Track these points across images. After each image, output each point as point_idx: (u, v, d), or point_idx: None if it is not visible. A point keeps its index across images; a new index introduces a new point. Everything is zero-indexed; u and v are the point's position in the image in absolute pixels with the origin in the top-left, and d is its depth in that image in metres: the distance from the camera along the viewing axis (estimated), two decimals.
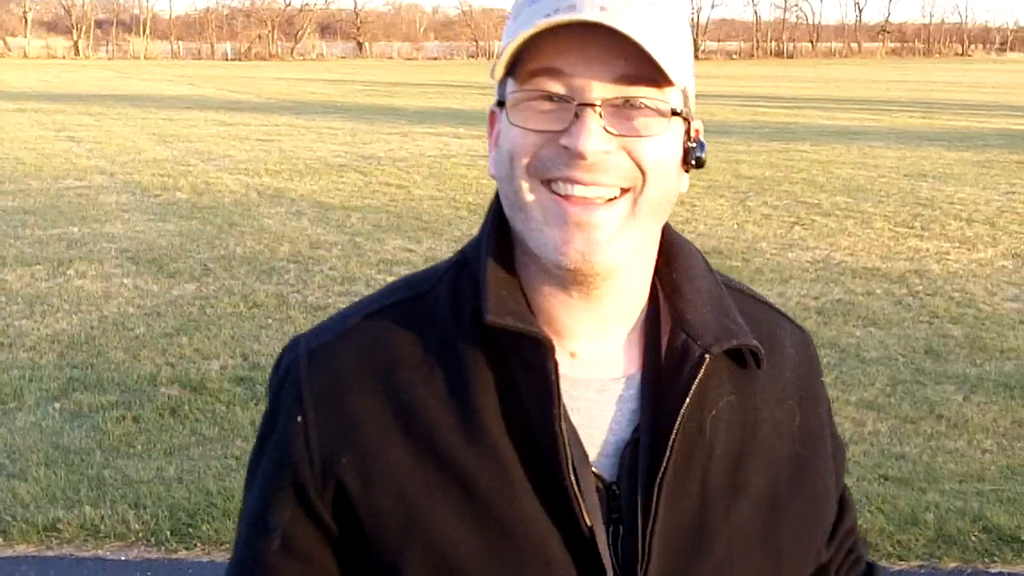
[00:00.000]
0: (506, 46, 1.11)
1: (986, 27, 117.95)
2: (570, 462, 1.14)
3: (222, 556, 4.82)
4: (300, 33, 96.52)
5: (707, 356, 1.20)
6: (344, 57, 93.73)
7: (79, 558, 4.80)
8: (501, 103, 1.18)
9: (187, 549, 4.88)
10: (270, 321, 8.51)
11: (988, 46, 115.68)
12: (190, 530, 5.00)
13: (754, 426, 1.26)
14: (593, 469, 1.18)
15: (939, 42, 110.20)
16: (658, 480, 1.16)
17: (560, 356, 1.19)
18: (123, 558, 4.82)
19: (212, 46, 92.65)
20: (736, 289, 1.34)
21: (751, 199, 15.04)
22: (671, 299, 1.25)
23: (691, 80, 1.20)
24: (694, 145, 1.19)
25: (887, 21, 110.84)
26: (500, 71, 1.13)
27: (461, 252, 1.28)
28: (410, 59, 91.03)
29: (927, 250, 11.82)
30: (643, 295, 1.26)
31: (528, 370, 1.17)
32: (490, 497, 1.16)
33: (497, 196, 1.22)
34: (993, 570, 4.85)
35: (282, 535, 1.23)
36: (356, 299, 1.37)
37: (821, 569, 1.40)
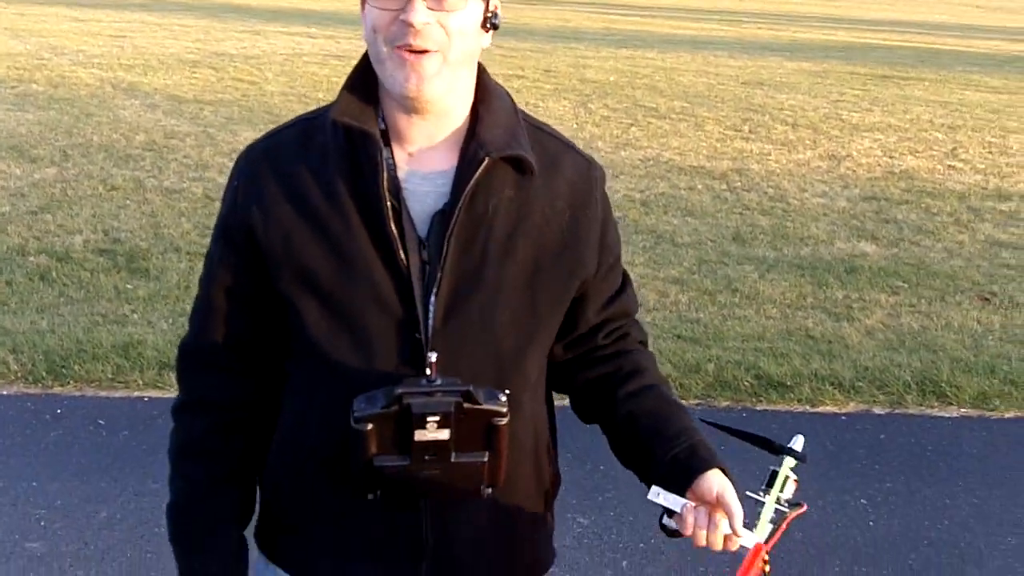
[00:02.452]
0: None
1: None
2: (390, 217, 1.83)
3: (92, 392, 5.49)
4: None
5: (486, 159, 1.83)
6: None
7: None
8: None
9: (61, 386, 5.51)
10: (128, 202, 9.00)
11: None
12: (63, 370, 5.61)
13: (527, 214, 1.88)
14: (414, 227, 1.87)
15: None
16: (447, 235, 1.85)
17: (401, 154, 1.87)
18: (4, 393, 5.44)
19: None
20: (537, 127, 1.99)
21: (593, 102, 15.74)
22: (477, 124, 1.94)
23: None
24: (490, 14, 1.88)
25: None
26: None
27: None
28: None
29: (751, 151, 12.75)
30: (460, 119, 1.88)
31: (366, 156, 1.83)
32: (338, 237, 1.84)
33: (366, 52, 1.91)
34: (759, 408, 5.75)
35: (219, 256, 1.95)
36: (209, 184, 2.09)
37: (591, 330, 2.07)
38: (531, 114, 2.02)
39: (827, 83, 19.14)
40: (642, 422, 2.01)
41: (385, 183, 1.82)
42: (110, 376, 5.58)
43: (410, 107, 1.84)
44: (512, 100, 1.98)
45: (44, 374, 5.57)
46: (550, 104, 15.12)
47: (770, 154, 12.62)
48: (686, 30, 29.69)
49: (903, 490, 4.94)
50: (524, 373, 1.95)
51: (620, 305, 2.09)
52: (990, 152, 13.46)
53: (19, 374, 5.58)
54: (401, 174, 1.87)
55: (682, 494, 1.87)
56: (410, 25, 1.75)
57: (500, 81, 2.02)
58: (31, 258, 7.40)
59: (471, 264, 1.86)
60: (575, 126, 13.71)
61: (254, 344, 1.98)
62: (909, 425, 5.60)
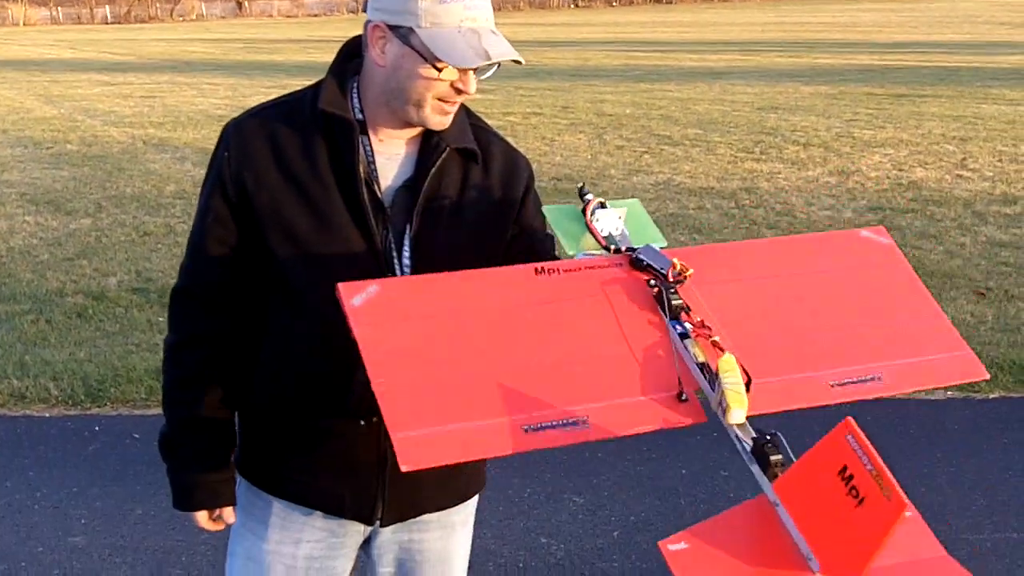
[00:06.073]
0: (434, 41, 2.12)
1: None
2: (364, 189, 2.23)
3: (127, 411, 5.91)
4: None
5: (447, 148, 2.30)
6: (224, 17, 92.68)
7: (11, 416, 5.86)
8: (407, 34, 2.19)
9: (99, 407, 5.94)
10: (160, 246, 9.49)
11: None
12: (100, 393, 6.06)
13: (468, 190, 2.35)
14: (380, 197, 2.28)
15: None
16: (416, 207, 2.27)
17: (374, 137, 2.28)
18: (47, 415, 5.87)
19: (91, 10, 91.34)
20: (477, 125, 2.42)
21: (608, 134, 16.15)
22: None
23: None
24: None
25: None
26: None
27: (322, 79, 2.37)
28: (290, 16, 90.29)
29: (761, 171, 13.08)
30: None
31: (343, 137, 2.25)
32: (317, 202, 2.25)
33: (346, 43, 2.35)
34: None
35: (215, 212, 2.31)
36: None
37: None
38: (482, 117, 2.46)
39: (842, 104, 19.40)
40: None
41: (362, 162, 2.24)
42: (144, 397, 6.01)
43: (412, 125, 2.27)
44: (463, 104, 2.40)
45: (83, 397, 6.02)
46: (566, 138, 15.52)
47: (780, 173, 12.94)
48: (705, 62, 30.02)
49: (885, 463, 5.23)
50: None
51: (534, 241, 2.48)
52: (999, 160, 13.65)
53: (59, 398, 6.02)
54: (374, 153, 2.28)
55: None
56: (464, 92, 2.20)
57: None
58: (68, 298, 7.88)
59: (429, 226, 2.29)
60: (589, 157, 14.13)
61: (237, 287, 2.35)
62: (896, 408, 5.90)
